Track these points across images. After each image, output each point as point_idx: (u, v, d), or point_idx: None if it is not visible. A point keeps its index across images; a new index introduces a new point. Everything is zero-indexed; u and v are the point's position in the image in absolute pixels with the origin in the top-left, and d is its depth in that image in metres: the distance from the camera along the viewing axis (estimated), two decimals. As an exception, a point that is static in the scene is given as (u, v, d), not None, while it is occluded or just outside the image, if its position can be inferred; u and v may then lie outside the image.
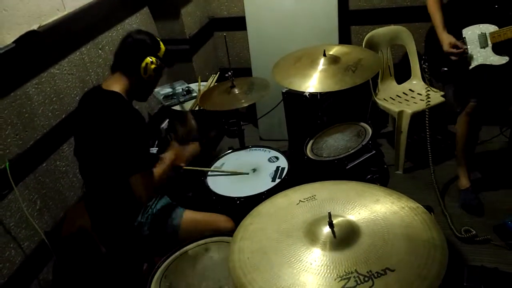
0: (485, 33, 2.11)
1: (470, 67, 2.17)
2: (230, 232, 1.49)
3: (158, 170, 1.74)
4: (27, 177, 1.91)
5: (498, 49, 2.09)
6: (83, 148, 1.74)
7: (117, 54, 1.75)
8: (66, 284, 2.05)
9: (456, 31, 2.20)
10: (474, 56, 2.15)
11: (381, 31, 2.93)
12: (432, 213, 1.47)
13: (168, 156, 1.83)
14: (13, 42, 1.82)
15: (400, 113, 2.65)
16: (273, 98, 2.84)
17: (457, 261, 2.11)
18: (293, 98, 2.70)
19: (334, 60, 2.15)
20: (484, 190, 2.52)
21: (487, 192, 2.51)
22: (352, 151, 2.04)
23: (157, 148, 2.54)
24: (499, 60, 2.09)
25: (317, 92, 2.45)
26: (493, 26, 2.08)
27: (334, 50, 2.26)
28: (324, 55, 2.14)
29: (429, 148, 2.48)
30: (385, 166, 2.12)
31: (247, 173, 2.10)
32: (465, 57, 2.17)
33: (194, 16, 3.14)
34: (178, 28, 3.04)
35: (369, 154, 2.02)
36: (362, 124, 2.26)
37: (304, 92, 2.55)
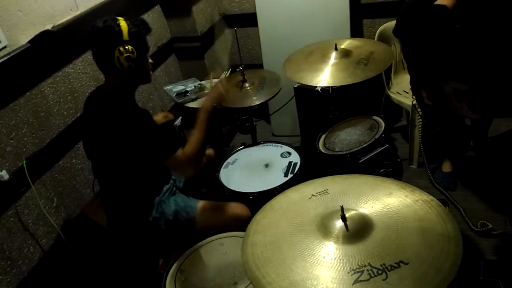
0: (460, 89, 2.11)
1: (452, 113, 2.21)
2: (247, 219, 1.49)
3: (195, 134, 1.70)
4: (44, 174, 1.95)
5: (471, 106, 2.11)
6: (93, 150, 1.74)
7: (93, 57, 1.62)
8: (83, 280, 2.08)
9: (435, 80, 2.20)
10: (453, 105, 2.17)
11: (394, 24, 2.89)
12: (446, 207, 1.46)
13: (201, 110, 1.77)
14: (28, 42, 1.85)
15: (414, 106, 2.62)
16: (285, 94, 2.83)
17: (473, 254, 2.09)
18: (305, 93, 2.69)
19: (345, 54, 2.14)
20: (499, 184, 2.48)
21: (503, 185, 2.47)
22: (365, 145, 2.02)
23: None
24: (473, 115, 2.15)
25: (329, 87, 2.44)
26: (465, 86, 2.08)
27: (345, 44, 2.25)
28: (336, 49, 2.13)
29: (421, 146, 2.52)
30: (399, 159, 2.10)
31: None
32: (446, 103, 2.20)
33: (205, 13, 3.15)
34: (190, 25, 3.05)
35: (382, 148, 2.01)
36: (375, 117, 2.25)
37: (316, 87, 2.54)
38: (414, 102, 2.49)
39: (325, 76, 2.06)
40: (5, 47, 1.76)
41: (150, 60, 1.69)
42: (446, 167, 2.61)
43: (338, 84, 2.07)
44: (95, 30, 1.54)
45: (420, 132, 2.52)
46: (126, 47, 1.53)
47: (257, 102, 2.26)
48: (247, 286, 1.45)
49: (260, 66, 3.17)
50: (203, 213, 1.84)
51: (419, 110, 2.49)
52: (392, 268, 1.04)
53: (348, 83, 2.02)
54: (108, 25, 1.53)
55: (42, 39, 1.89)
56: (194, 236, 1.72)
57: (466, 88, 2.07)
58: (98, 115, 1.64)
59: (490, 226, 2.20)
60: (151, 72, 1.71)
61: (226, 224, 1.75)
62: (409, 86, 2.86)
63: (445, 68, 2.11)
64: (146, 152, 1.59)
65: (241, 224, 1.71)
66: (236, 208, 1.85)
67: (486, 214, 2.30)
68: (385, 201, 1.28)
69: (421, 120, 2.52)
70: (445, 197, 2.45)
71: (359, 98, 2.77)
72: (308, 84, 2.13)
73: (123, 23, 1.54)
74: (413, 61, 2.23)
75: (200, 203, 1.87)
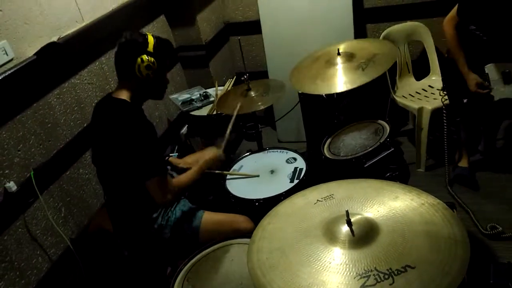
0: (509, 71, 2.13)
1: (495, 99, 2.20)
2: (250, 233, 1.50)
3: (188, 174, 1.78)
4: (51, 185, 1.97)
5: None
6: (98, 156, 1.77)
7: (115, 63, 1.72)
8: (92, 289, 2.09)
9: (477, 66, 2.23)
10: (499, 90, 2.18)
11: (398, 28, 2.90)
12: (454, 210, 1.44)
13: (203, 158, 1.87)
14: (34, 54, 1.87)
15: (420, 109, 2.61)
16: (290, 100, 2.85)
17: (483, 258, 2.07)
18: (310, 99, 2.69)
19: (349, 58, 2.14)
20: (508, 187, 2.47)
21: (512, 188, 2.45)
22: (370, 149, 2.01)
23: (177, 154, 2.57)
24: None
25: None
26: None
27: (348, 47, 2.25)
28: (338, 53, 2.14)
29: (445, 147, 2.50)
30: (405, 163, 2.09)
31: (257, 176, 2.13)
32: (489, 91, 2.21)
33: (209, 22, 3.18)
34: (194, 34, 3.07)
35: (388, 152, 1.99)
36: (380, 121, 2.24)
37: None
38: (445, 99, 2.44)
39: (330, 83, 2.06)
40: (12, 59, 1.79)
41: (167, 80, 1.79)
42: (464, 163, 2.58)
43: (341, 90, 2.06)
44: (124, 40, 1.66)
45: (445, 131, 2.47)
46: (149, 58, 1.64)
47: (262, 107, 2.26)
48: (254, 293, 1.45)
49: (265, 73, 3.18)
50: (207, 225, 1.85)
51: (445, 101, 2.43)
52: (399, 272, 1.03)
53: (348, 89, 2.01)
54: (136, 36, 1.66)
55: (48, 51, 1.91)
56: (198, 245, 1.72)
57: None
58: (105, 121, 1.68)
59: (500, 229, 2.17)
60: (165, 90, 1.82)
61: (229, 235, 1.75)
62: (415, 90, 2.86)
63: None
64: (136, 163, 1.61)
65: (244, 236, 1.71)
66: (240, 222, 1.86)
67: (495, 217, 2.28)
68: (391, 205, 1.27)
69: (444, 118, 2.47)
70: (454, 200, 2.43)
71: (364, 102, 2.77)
72: (314, 93, 2.13)
73: (150, 37, 1.67)
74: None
75: (205, 215, 1.89)
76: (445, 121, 2.45)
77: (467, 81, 2.24)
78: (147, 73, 1.65)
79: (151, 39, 1.66)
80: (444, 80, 2.47)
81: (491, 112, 2.38)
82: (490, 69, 2.18)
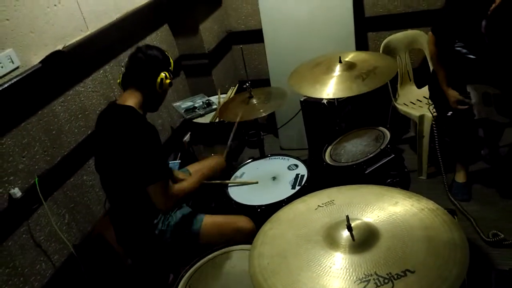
0: (490, 93, 2.16)
1: (475, 118, 2.23)
2: (250, 232, 1.51)
3: (190, 180, 1.81)
4: (55, 192, 1.98)
5: (501, 110, 2.15)
6: (102, 162, 1.79)
7: (129, 70, 1.78)
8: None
9: (460, 84, 2.26)
10: (478, 109, 2.20)
11: (398, 36, 2.92)
12: (455, 217, 1.45)
13: (206, 165, 1.92)
14: (40, 62, 1.90)
15: (421, 117, 2.62)
16: (292, 108, 2.87)
17: (484, 265, 2.06)
18: (311, 106, 2.71)
19: (349, 67, 2.17)
20: (510, 194, 2.47)
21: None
22: (370, 155, 2.03)
23: (179, 161, 2.59)
24: (501, 119, 2.17)
25: (333, 99, 2.46)
26: (497, 90, 2.13)
27: (351, 57, 2.28)
28: (340, 61, 2.16)
29: (439, 157, 2.53)
30: (406, 170, 2.10)
31: (256, 182, 2.15)
32: (471, 107, 2.22)
33: (212, 31, 3.21)
34: (197, 43, 3.11)
35: (388, 158, 2.01)
36: (381, 128, 2.26)
37: (322, 99, 2.56)
38: (432, 108, 2.48)
39: (324, 88, 2.09)
40: (17, 67, 1.81)
41: None
42: (460, 178, 2.57)
43: (335, 96, 2.09)
44: (149, 52, 1.75)
45: (436, 141, 2.50)
46: (170, 75, 1.79)
47: (264, 114, 2.28)
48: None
49: (267, 81, 3.21)
50: (208, 227, 1.87)
51: (434, 113, 2.48)
52: (399, 276, 1.04)
53: (344, 96, 2.04)
54: (159, 51, 1.78)
55: (53, 59, 1.94)
56: (200, 249, 1.73)
57: (497, 92, 2.08)
58: (113, 127, 1.70)
59: (502, 236, 2.17)
60: None
61: (230, 237, 1.76)
62: (416, 98, 2.88)
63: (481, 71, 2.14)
64: (140, 168, 1.63)
65: (245, 237, 1.72)
66: (240, 222, 1.87)
67: (497, 224, 2.28)
68: (391, 210, 1.28)
69: (434, 129, 2.51)
70: (455, 207, 2.43)
71: (365, 110, 2.79)
72: (312, 96, 2.16)
73: (170, 58, 1.82)
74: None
75: (206, 218, 1.90)
76: (435, 131, 2.49)
77: (447, 97, 2.29)
78: (165, 89, 1.78)
79: (171, 60, 1.82)
80: (431, 91, 2.50)
81: (474, 128, 2.41)
82: (471, 89, 2.19)
